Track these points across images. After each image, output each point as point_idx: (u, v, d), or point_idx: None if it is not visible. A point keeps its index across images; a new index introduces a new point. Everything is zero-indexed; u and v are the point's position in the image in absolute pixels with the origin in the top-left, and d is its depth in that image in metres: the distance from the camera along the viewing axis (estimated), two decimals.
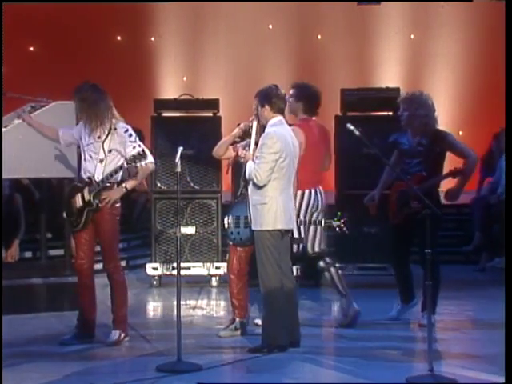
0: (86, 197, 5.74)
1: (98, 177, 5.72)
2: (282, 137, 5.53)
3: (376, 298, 7.35)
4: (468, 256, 9.39)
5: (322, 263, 6.35)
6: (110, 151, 5.72)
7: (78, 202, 5.78)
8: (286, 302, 5.56)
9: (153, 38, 12.98)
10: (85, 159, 5.80)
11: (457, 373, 5.00)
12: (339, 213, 6.14)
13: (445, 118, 12.78)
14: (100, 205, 5.72)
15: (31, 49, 12.82)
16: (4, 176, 6.53)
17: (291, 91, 6.37)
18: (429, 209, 5.08)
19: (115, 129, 5.76)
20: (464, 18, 12.33)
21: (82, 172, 5.86)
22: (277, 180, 5.49)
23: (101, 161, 5.71)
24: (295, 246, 6.26)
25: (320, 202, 6.33)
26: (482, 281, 8.46)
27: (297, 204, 6.10)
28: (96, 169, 5.72)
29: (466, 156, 6.25)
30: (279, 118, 5.61)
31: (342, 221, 6.09)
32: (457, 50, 12.46)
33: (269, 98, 5.58)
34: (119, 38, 13.01)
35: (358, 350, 5.61)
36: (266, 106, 5.58)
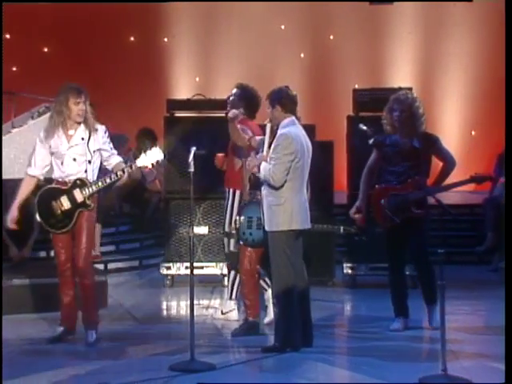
0: (79, 198, 5.72)
1: (90, 177, 5.75)
2: (296, 137, 5.51)
3: (388, 298, 7.31)
4: (481, 256, 9.35)
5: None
6: (93, 151, 5.77)
7: (65, 203, 5.72)
8: (298, 302, 5.55)
9: (166, 39, 12.99)
10: (63, 163, 5.73)
11: (469, 372, 4.98)
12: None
13: (457, 118, 12.79)
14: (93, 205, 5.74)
15: (45, 50, 12.86)
16: (16, 176, 6.51)
17: (234, 90, 6.43)
18: (450, 214, 5.07)
19: (96, 129, 5.79)
20: (477, 17, 12.26)
21: (60, 174, 5.74)
22: (292, 181, 5.47)
23: (89, 162, 5.75)
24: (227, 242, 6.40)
25: None
26: (495, 281, 8.41)
27: (229, 202, 6.32)
28: (87, 170, 5.74)
29: (447, 161, 6.13)
30: (291, 118, 5.59)
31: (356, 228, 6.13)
32: (469, 49, 12.39)
33: (279, 98, 5.56)
34: (132, 38, 13.02)
35: (371, 350, 5.59)
36: (277, 107, 5.57)
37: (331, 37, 12.77)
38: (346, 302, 7.69)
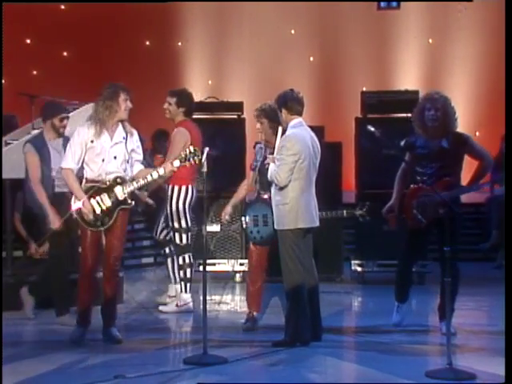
0: (120, 195, 5.62)
1: (128, 175, 5.68)
2: (301, 138, 5.51)
3: None
4: (485, 253, 9.32)
5: (167, 250, 6.90)
6: (129, 152, 5.70)
7: (106, 201, 5.61)
8: (308, 297, 5.54)
9: (180, 43, 13.01)
10: (104, 160, 5.60)
11: (475, 367, 4.96)
12: (361, 202, 6.14)
13: (462, 120, 12.70)
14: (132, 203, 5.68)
15: (64, 54, 12.90)
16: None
17: (172, 99, 6.66)
18: (459, 215, 5.02)
19: (131, 132, 5.73)
20: (481, 22, 12.22)
21: (100, 172, 5.61)
22: (297, 181, 5.47)
23: (127, 161, 5.68)
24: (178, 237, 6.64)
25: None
26: (499, 278, 8.33)
27: (170, 198, 6.58)
28: (126, 169, 5.68)
29: (483, 158, 5.95)
30: (298, 119, 5.59)
31: (365, 209, 6.04)
32: (474, 53, 12.35)
33: (285, 101, 5.57)
34: (148, 42, 13.05)
35: (378, 345, 5.58)
36: (284, 110, 5.58)
37: (339, 41, 12.75)
38: (354, 298, 7.67)
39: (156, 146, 10.27)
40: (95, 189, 5.62)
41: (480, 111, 12.15)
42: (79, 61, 12.51)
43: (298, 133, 5.52)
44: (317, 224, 5.63)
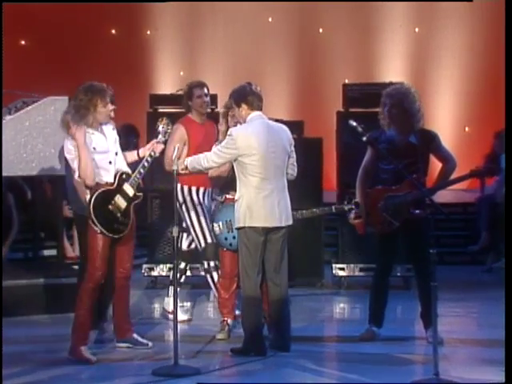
0: (130, 192, 5.58)
1: (128, 170, 5.66)
2: (248, 133, 5.53)
3: None
4: (474, 256, 9.39)
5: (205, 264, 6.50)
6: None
7: (121, 203, 5.53)
8: (273, 307, 5.59)
9: (148, 32, 12.98)
10: (111, 162, 5.57)
11: (463, 376, 5.01)
12: (348, 197, 6.16)
13: (450, 114, 12.84)
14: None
15: (22, 42, 12.82)
16: None
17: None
18: (442, 213, 5.04)
19: (115, 128, 5.76)
20: (470, 10, 12.32)
21: (112, 173, 5.55)
22: (247, 177, 5.51)
23: (116, 154, 5.67)
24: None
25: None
26: (489, 282, 8.46)
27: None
28: (125, 164, 5.66)
29: (447, 161, 5.90)
30: (257, 113, 5.61)
31: (353, 203, 6.08)
32: (463, 43, 12.44)
33: (245, 96, 5.60)
34: (114, 31, 13.00)
35: (361, 355, 5.61)
36: (243, 105, 5.61)
37: (320, 30, 12.81)
38: (335, 304, 7.72)
39: (122, 142, 10.24)
40: (108, 193, 5.51)
41: (470, 105, 12.25)
42: (37, 50, 12.43)
43: (245, 128, 5.58)
44: (280, 224, 5.57)
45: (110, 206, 5.50)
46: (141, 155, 5.73)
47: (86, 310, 5.50)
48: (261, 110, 5.65)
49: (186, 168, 5.67)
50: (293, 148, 5.71)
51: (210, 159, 5.58)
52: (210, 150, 5.80)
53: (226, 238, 5.97)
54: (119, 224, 5.52)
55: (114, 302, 5.80)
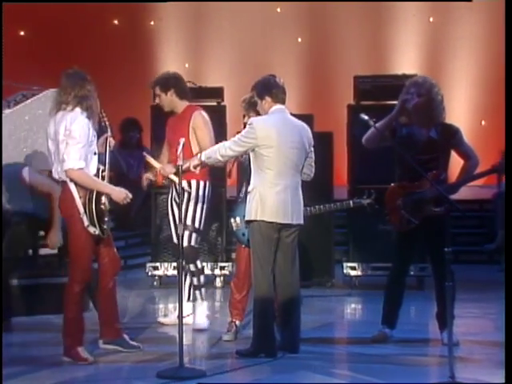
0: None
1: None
2: (268, 125, 5.55)
3: None
4: (491, 255, 9.39)
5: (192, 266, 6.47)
6: None
7: (106, 201, 5.47)
8: (283, 307, 5.59)
9: (152, 22, 13.00)
10: (95, 153, 5.52)
11: (479, 379, 5.01)
12: (367, 191, 6.15)
13: (466, 107, 12.80)
14: None
15: (21, 33, 12.85)
16: None
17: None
18: (457, 210, 5.04)
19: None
20: None
21: (93, 167, 5.50)
22: (262, 169, 5.53)
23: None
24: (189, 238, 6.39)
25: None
26: None
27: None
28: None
29: (469, 157, 5.89)
30: (279, 106, 5.63)
31: (373, 197, 6.05)
32: (479, 32, 12.41)
33: (269, 88, 5.61)
34: (116, 21, 13.03)
35: (373, 357, 5.62)
36: (268, 98, 5.62)
37: (331, 20, 12.79)
38: (346, 304, 7.72)
39: (125, 137, 10.29)
40: (96, 193, 5.44)
41: (486, 98, 12.20)
42: (37, 41, 12.46)
43: (266, 119, 5.60)
44: (292, 222, 5.57)
45: (102, 207, 5.48)
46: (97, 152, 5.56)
47: (79, 313, 5.51)
48: (284, 103, 5.67)
49: (200, 163, 5.67)
50: (312, 148, 5.72)
51: (229, 148, 5.59)
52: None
53: (243, 234, 5.94)
54: (107, 223, 5.49)
55: (100, 301, 5.72)
